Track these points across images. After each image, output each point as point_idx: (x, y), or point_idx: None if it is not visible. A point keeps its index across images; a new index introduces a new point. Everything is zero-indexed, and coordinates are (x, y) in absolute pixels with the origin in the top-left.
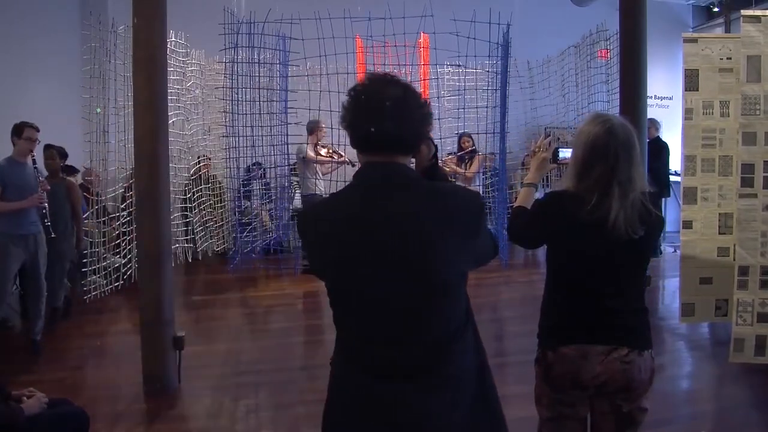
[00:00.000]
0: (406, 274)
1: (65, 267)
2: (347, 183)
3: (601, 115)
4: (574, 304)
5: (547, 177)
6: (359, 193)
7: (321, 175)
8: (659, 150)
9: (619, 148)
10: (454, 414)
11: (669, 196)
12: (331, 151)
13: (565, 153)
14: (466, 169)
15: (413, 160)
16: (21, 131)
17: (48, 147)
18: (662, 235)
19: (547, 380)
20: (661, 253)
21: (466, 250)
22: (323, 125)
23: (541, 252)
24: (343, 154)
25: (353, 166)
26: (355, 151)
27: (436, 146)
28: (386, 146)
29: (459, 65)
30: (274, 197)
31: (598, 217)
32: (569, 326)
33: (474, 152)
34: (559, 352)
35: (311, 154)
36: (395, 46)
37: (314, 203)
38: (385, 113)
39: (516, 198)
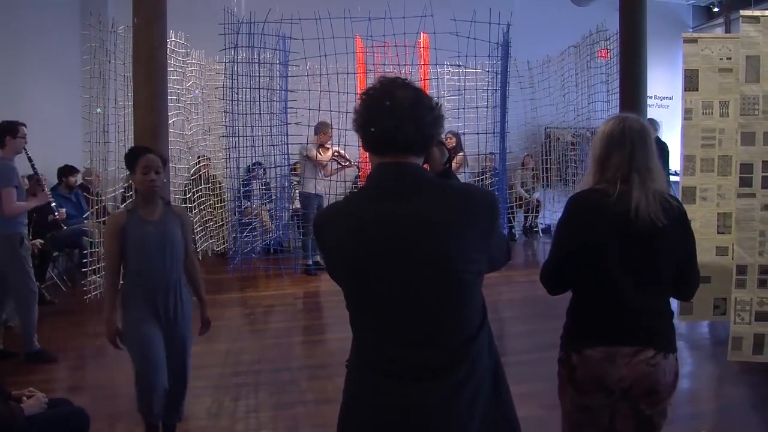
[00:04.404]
0: (428, 273)
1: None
2: (346, 183)
3: (616, 115)
4: (600, 304)
5: (546, 177)
6: (374, 195)
7: (322, 176)
8: (659, 151)
9: (634, 137)
10: (473, 415)
11: None
12: (337, 154)
13: None
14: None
15: (426, 165)
16: (16, 130)
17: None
18: None
19: (572, 383)
20: None
21: (481, 247)
22: (330, 129)
23: (542, 252)
24: (348, 158)
25: (359, 169)
26: (354, 152)
27: (450, 151)
28: (399, 147)
29: (459, 65)
30: (274, 197)
31: (621, 208)
32: (594, 327)
33: (456, 150)
34: (583, 355)
35: (314, 152)
36: (395, 46)
37: (328, 208)
38: (398, 115)
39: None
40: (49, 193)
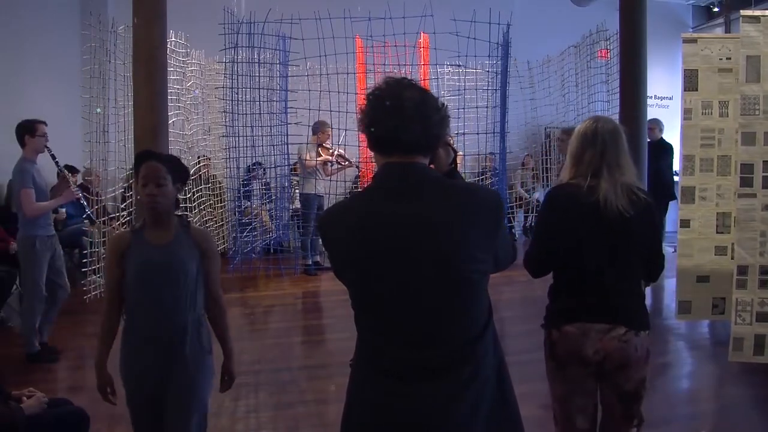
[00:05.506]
0: (428, 273)
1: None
2: (346, 183)
3: (591, 116)
4: (577, 286)
5: (546, 177)
6: (380, 194)
7: (322, 176)
8: (663, 151)
9: (606, 135)
10: (475, 416)
11: (675, 198)
12: (336, 154)
13: None
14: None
15: (432, 165)
16: (34, 129)
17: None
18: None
19: (554, 358)
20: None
21: (486, 247)
22: (329, 128)
23: None
24: (348, 158)
25: (358, 169)
26: (354, 152)
27: (455, 151)
28: (404, 148)
29: (459, 65)
30: (274, 197)
31: (592, 199)
32: (572, 307)
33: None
34: (562, 331)
35: (310, 155)
36: (395, 46)
37: (332, 207)
38: (401, 115)
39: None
40: (75, 190)
